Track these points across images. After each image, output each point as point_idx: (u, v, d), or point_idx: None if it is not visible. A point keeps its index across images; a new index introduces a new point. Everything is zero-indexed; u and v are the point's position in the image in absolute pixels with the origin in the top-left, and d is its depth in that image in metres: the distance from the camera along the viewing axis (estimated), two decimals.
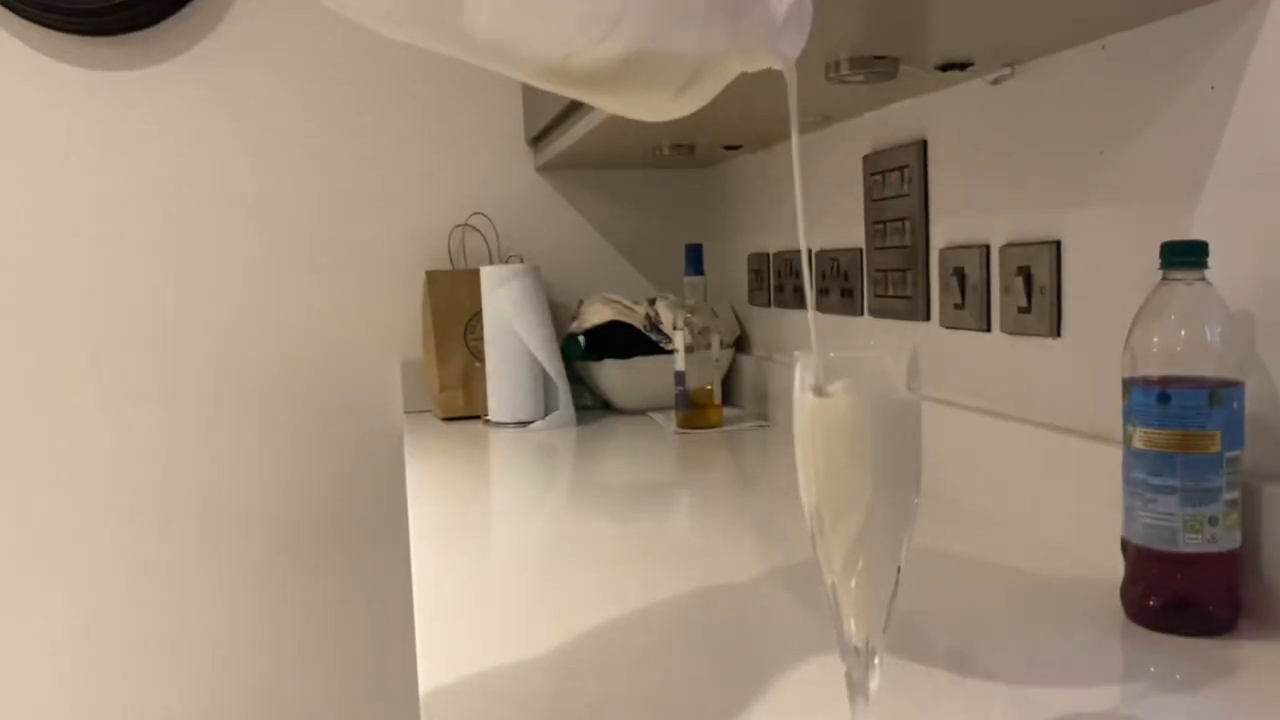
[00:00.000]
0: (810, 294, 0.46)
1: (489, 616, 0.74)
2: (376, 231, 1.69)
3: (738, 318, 1.69)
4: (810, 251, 1.38)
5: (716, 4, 0.43)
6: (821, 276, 1.35)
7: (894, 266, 1.13)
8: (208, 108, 1.61)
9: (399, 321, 1.71)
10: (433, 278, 1.63)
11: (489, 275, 1.54)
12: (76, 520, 1.60)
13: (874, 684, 0.44)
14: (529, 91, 1.66)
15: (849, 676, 0.45)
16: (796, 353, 0.44)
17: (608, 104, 0.48)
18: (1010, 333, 0.93)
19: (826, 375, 0.43)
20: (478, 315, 1.58)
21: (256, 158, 1.63)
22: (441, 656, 0.66)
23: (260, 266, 1.65)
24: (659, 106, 0.47)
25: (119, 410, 1.61)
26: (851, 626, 0.44)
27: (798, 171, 0.46)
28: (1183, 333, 0.64)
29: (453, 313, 1.62)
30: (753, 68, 0.45)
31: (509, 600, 0.77)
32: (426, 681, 0.62)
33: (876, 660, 0.44)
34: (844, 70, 0.89)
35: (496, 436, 1.48)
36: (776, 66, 0.44)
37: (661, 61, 0.44)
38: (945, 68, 0.91)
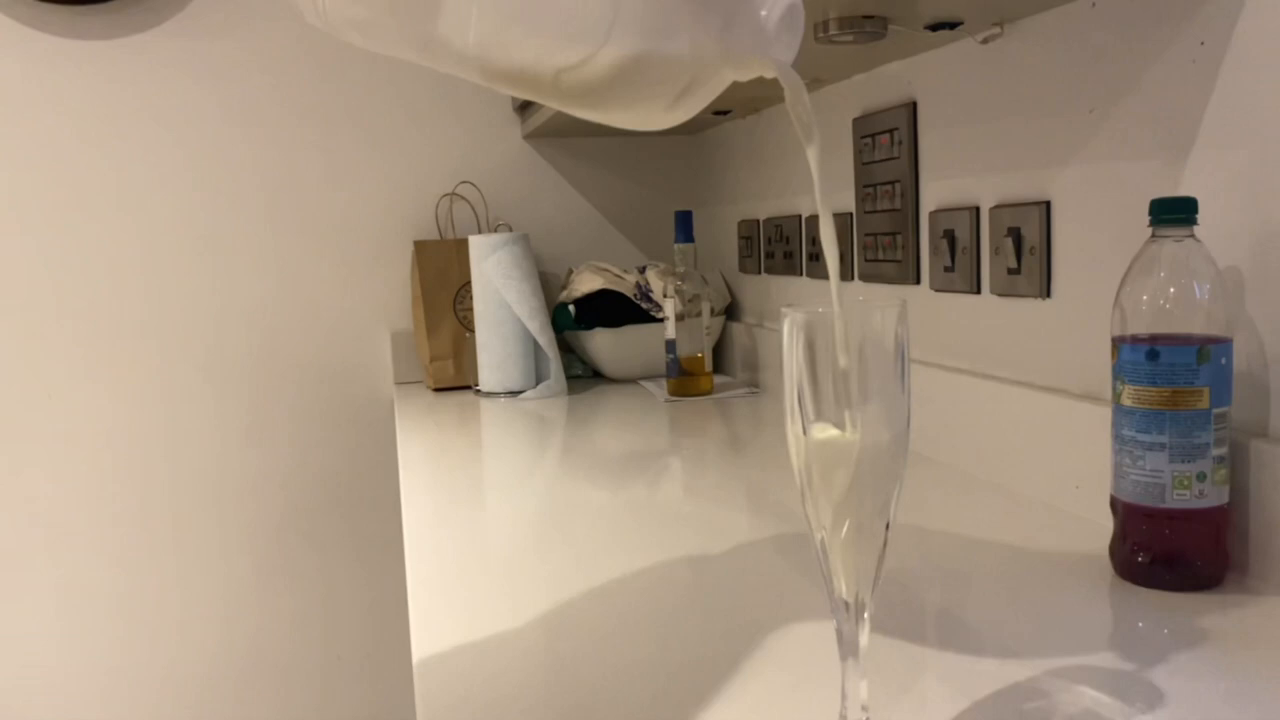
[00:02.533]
0: (834, 278, 0.45)
1: (482, 585, 0.74)
2: (364, 202, 1.68)
3: (728, 285, 1.69)
4: (801, 217, 1.37)
5: (707, 14, 0.42)
6: (812, 241, 1.34)
7: (884, 230, 1.13)
8: (189, 77, 1.59)
9: (388, 292, 1.70)
10: (421, 248, 1.62)
11: (477, 244, 1.53)
12: (70, 495, 1.60)
13: (863, 639, 0.45)
14: None
15: (839, 632, 0.45)
16: (784, 309, 0.43)
17: (601, 117, 0.47)
18: (1000, 294, 0.93)
19: (814, 329, 0.43)
20: (467, 285, 1.58)
21: (239, 128, 1.62)
22: (434, 624, 0.66)
23: (247, 239, 1.64)
24: (651, 118, 0.47)
25: (105, 385, 1.60)
26: (841, 582, 0.44)
27: (817, 182, 0.45)
28: (1171, 290, 0.64)
29: (442, 283, 1.62)
30: (745, 76, 0.45)
31: (502, 568, 0.77)
32: (419, 649, 0.62)
33: (866, 615, 0.44)
34: (833, 30, 0.88)
35: (487, 406, 1.48)
36: (769, 75, 0.44)
37: (653, 75, 0.44)
38: (935, 27, 0.91)
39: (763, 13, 0.42)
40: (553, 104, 0.47)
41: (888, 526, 0.44)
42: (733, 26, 0.42)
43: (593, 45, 0.43)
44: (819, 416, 0.43)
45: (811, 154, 0.45)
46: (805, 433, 0.43)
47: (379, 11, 0.49)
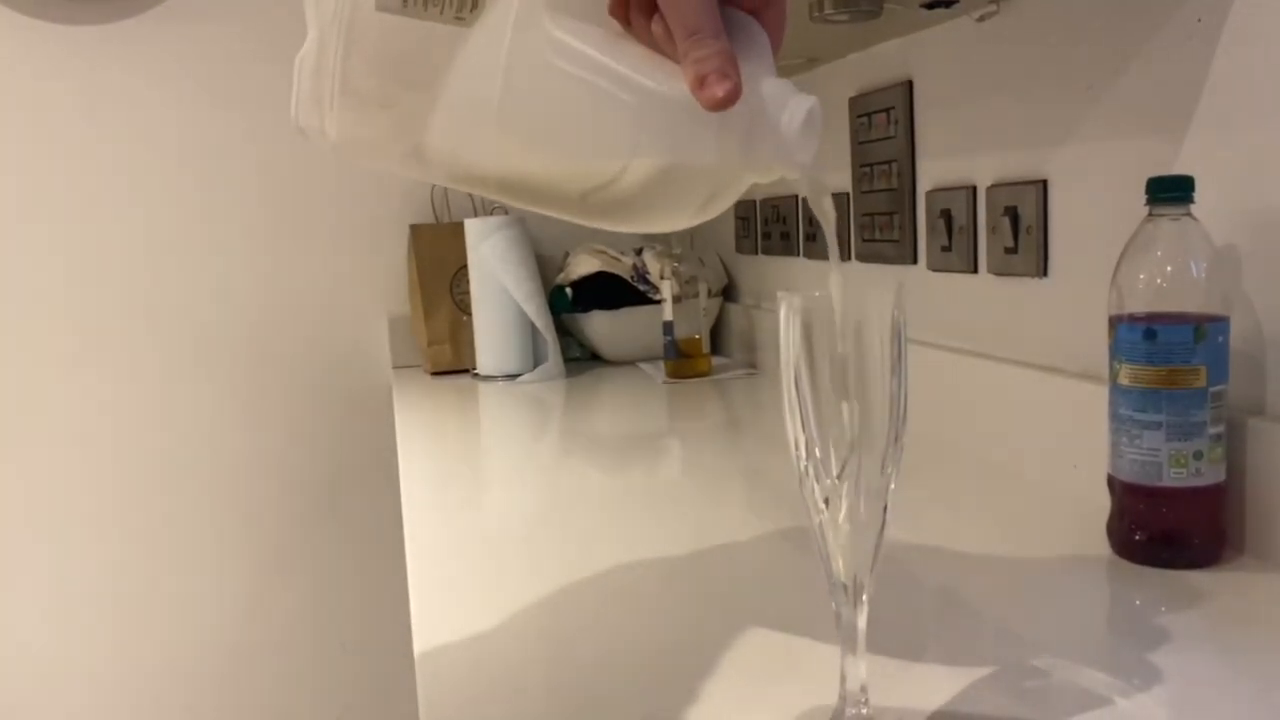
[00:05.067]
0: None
1: (481, 569, 0.74)
2: (359, 186, 1.67)
3: (725, 266, 1.69)
4: (798, 198, 1.37)
5: (729, 128, 0.42)
6: (809, 222, 1.34)
7: (881, 210, 1.12)
8: (183, 63, 1.58)
9: (385, 276, 1.70)
10: (417, 231, 1.62)
11: (474, 228, 1.52)
12: (64, 482, 1.60)
13: (862, 621, 0.45)
14: None
15: (838, 614, 0.45)
16: (781, 293, 0.43)
17: (625, 228, 0.48)
18: (997, 273, 0.93)
19: (809, 316, 0.43)
20: (464, 268, 1.57)
21: (233, 113, 1.61)
22: (434, 609, 0.66)
23: (242, 224, 1.63)
24: (675, 225, 0.48)
25: (100, 372, 1.60)
26: (839, 565, 0.44)
27: (835, 266, 0.45)
28: (1168, 269, 0.64)
29: (438, 266, 1.61)
30: (766, 179, 0.45)
31: (501, 552, 0.78)
32: (419, 633, 0.62)
33: (865, 597, 0.45)
34: (828, 9, 0.87)
35: (485, 390, 1.48)
36: (791, 176, 0.44)
37: (677, 191, 0.45)
38: (930, 5, 0.90)
39: (784, 118, 0.42)
40: (576, 219, 0.48)
41: (885, 508, 0.44)
42: (754, 138, 0.43)
43: (615, 168, 0.44)
44: (816, 401, 0.43)
45: (831, 240, 0.45)
46: (802, 423, 0.43)
47: (386, 134, 0.50)
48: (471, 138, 0.47)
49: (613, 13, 0.45)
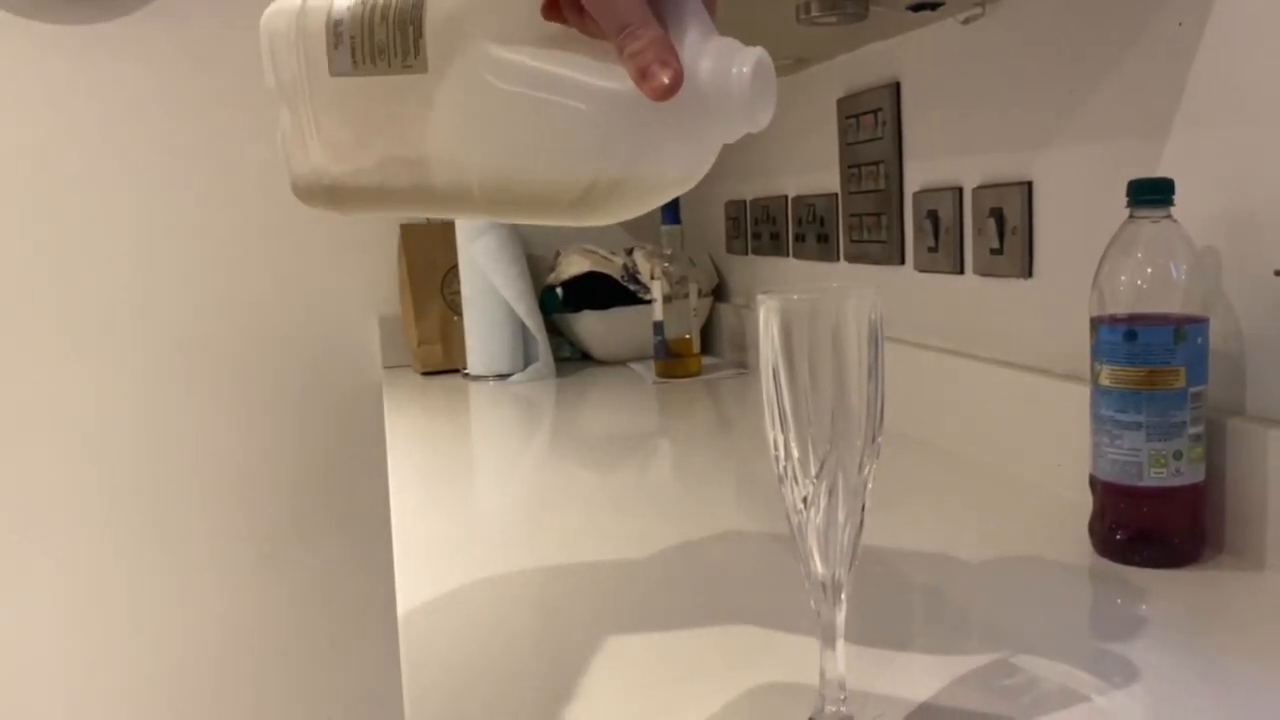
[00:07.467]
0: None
1: (469, 567, 0.74)
2: None
3: (715, 266, 1.69)
4: (787, 198, 1.38)
5: (684, 109, 0.43)
6: (798, 222, 1.34)
7: (869, 211, 1.13)
8: (173, 62, 1.58)
9: (375, 276, 1.70)
10: (407, 231, 1.62)
11: (464, 228, 1.52)
12: (52, 483, 1.60)
13: (840, 619, 0.45)
14: None
15: (817, 612, 0.46)
16: (760, 295, 0.44)
17: (625, 216, 0.50)
18: (982, 274, 0.93)
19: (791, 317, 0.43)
20: (454, 268, 1.58)
21: (224, 112, 1.61)
22: (421, 607, 0.66)
23: (232, 224, 1.63)
24: (665, 197, 0.50)
25: (90, 373, 1.60)
26: (817, 564, 0.45)
27: None
28: (1149, 270, 0.65)
29: (429, 266, 1.61)
30: (734, 138, 0.46)
31: (489, 551, 0.78)
32: (406, 631, 0.63)
33: (843, 596, 0.45)
34: (814, 11, 0.88)
35: (476, 390, 1.48)
36: (755, 131, 0.45)
37: (651, 181, 0.46)
38: (916, 8, 0.90)
39: (733, 72, 0.42)
40: (573, 224, 0.49)
41: (863, 508, 0.45)
42: (710, 108, 0.43)
43: (591, 173, 0.45)
44: (794, 402, 0.43)
45: None
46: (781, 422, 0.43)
47: (371, 176, 0.51)
48: (448, 172, 0.48)
49: (547, 18, 0.45)
